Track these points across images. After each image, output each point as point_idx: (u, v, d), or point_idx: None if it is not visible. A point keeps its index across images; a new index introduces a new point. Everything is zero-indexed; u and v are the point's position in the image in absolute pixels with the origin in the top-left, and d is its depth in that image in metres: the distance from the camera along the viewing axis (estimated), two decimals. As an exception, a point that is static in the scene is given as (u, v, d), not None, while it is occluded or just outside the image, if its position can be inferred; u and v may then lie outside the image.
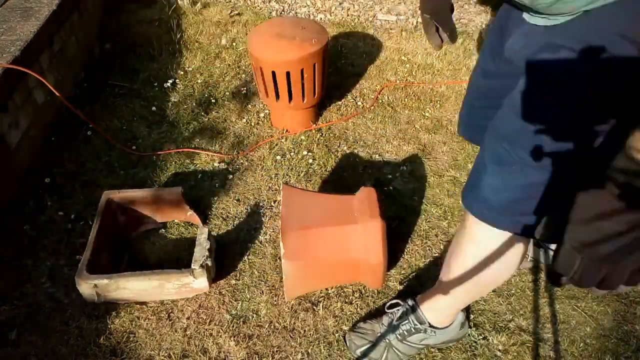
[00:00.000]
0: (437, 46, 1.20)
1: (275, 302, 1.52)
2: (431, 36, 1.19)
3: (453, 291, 1.22)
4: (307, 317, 1.48)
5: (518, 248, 1.07)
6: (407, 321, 1.35)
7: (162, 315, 1.50)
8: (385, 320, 1.40)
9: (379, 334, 1.38)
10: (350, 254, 1.39)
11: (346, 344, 1.41)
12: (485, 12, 2.98)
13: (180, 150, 2.05)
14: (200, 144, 2.09)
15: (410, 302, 1.38)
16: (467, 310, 1.47)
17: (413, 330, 1.35)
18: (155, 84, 2.41)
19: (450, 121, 2.20)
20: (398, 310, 1.39)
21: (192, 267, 1.43)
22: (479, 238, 1.09)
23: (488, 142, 1.00)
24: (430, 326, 1.34)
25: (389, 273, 1.60)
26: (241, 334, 1.45)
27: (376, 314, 1.48)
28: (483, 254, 1.10)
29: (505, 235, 1.03)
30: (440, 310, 1.33)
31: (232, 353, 1.41)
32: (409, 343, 1.36)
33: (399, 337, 1.36)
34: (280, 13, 3.04)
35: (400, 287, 1.56)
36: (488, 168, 0.99)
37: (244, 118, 2.22)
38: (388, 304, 1.43)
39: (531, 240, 1.62)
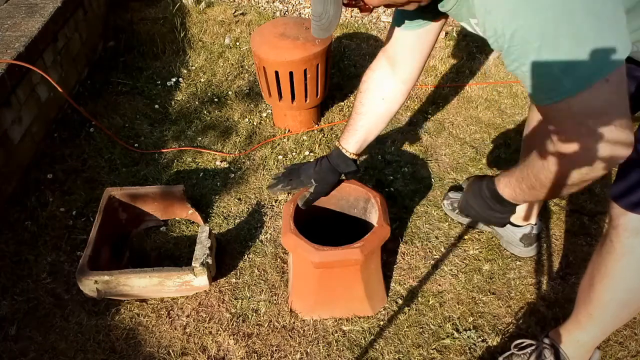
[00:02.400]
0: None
1: (275, 301, 1.52)
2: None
3: (600, 318, 1.14)
4: (306, 317, 1.48)
5: None
6: None
7: (162, 312, 1.50)
8: None
9: None
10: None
11: None
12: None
13: (183, 148, 2.05)
14: (202, 143, 2.09)
15: (546, 341, 1.27)
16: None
17: None
18: (159, 82, 2.42)
19: (452, 123, 2.20)
20: (531, 350, 1.29)
21: (193, 265, 1.43)
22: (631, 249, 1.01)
23: None
24: None
25: (389, 274, 1.60)
26: (240, 333, 1.45)
27: (493, 349, 1.40)
28: (633, 266, 1.02)
29: None
30: (582, 345, 1.22)
31: (231, 351, 1.41)
32: None
33: None
34: (284, 13, 3.05)
35: (400, 289, 1.56)
36: None
37: (246, 117, 2.23)
38: (516, 342, 1.32)
39: None
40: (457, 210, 1.74)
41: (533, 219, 1.61)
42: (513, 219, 1.56)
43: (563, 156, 0.87)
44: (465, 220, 1.74)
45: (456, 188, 1.86)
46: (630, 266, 1.03)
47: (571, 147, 0.85)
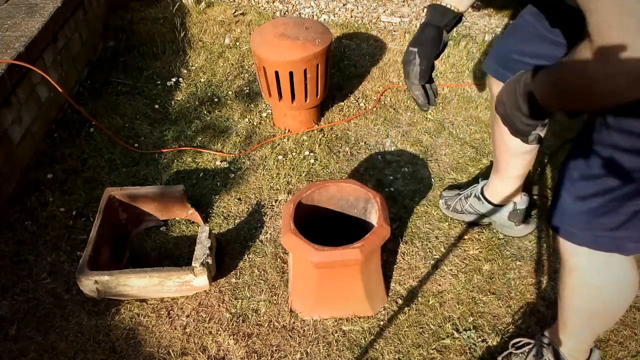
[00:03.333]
0: (424, 106, 1.19)
1: (275, 301, 1.52)
2: (419, 95, 1.19)
3: (572, 328, 1.18)
4: (306, 317, 1.48)
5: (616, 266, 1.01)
6: None
7: (162, 312, 1.50)
8: None
9: None
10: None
11: None
12: (489, 15, 2.99)
13: (183, 148, 2.05)
14: (202, 143, 2.09)
15: (544, 340, 1.28)
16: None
17: None
18: (159, 82, 2.42)
19: (452, 123, 2.20)
20: (529, 349, 1.30)
21: (193, 265, 1.43)
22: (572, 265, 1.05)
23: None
24: None
25: (389, 274, 1.60)
26: (240, 333, 1.45)
27: (492, 349, 1.41)
28: (580, 280, 1.06)
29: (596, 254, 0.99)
30: (577, 347, 1.24)
31: (231, 351, 1.41)
32: None
33: None
34: (284, 13, 3.05)
35: (400, 289, 1.56)
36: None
37: (246, 117, 2.23)
38: (513, 342, 1.33)
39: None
40: (451, 209, 1.76)
41: (516, 198, 1.63)
42: (493, 199, 1.64)
43: (603, 59, 0.71)
44: (465, 218, 1.75)
45: (451, 187, 1.87)
46: (580, 280, 1.07)
47: (614, 47, 0.69)
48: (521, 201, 1.63)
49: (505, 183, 1.60)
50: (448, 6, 1.16)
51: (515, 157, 1.50)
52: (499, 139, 1.51)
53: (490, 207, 1.66)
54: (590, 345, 1.25)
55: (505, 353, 1.35)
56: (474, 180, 1.89)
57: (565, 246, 1.04)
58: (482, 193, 1.68)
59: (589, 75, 0.74)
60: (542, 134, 1.01)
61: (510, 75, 0.98)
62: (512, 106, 0.95)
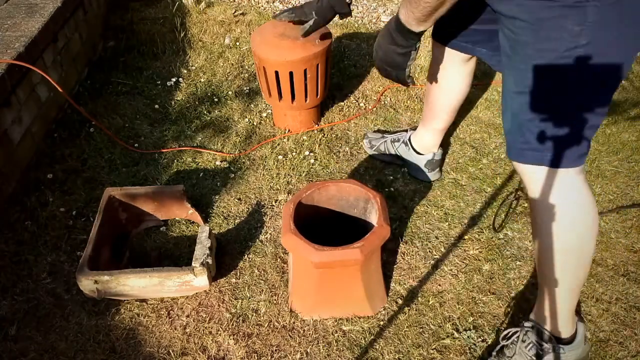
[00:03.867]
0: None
1: (275, 301, 1.53)
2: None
3: (553, 278, 1.21)
4: (306, 317, 1.48)
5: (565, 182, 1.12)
6: (531, 344, 1.29)
7: (162, 312, 1.50)
8: (508, 352, 1.33)
9: None
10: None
11: None
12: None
13: (182, 148, 2.05)
14: (202, 143, 2.09)
15: (527, 324, 1.32)
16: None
17: (541, 353, 1.27)
18: (159, 82, 2.42)
19: (452, 123, 2.19)
20: (517, 337, 1.32)
21: (193, 265, 1.43)
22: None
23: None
24: (558, 341, 1.27)
25: (389, 274, 1.60)
26: (240, 333, 1.45)
27: (492, 349, 1.40)
28: (542, 205, 1.16)
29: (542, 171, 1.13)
30: (557, 316, 1.27)
31: (231, 351, 1.41)
32: None
33: None
34: (284, 13, 3.05)
35: (400, 289, 1.57)
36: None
37: (246, 117, 2.23)
38: (502, 334, 1.35)
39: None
40: (374, 149, 2.01)
41: (434, 149, 1.89)
42: (418, 148, 1.90)
43: None
44: (385, 158, 2.00)
45: (376, 131, 2.14)
46: (542, 205, 1.16)
47: None
48: (438, 152, 1.90)
49: (431, 134, 1.87)
50: None
51: (441, 112, 1.80)
52: (431, 97, 1.79)
53: (414, 153, 1.91)
54: (572, 314, 1.28)
55: (497, 348, 1.36)
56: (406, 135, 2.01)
57: (523, 171, 1.18)
58: (409, 140, 1.93)
59: None
60: (411, 71, 1.33)
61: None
62: (388, 42, 1.28)
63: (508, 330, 1.35)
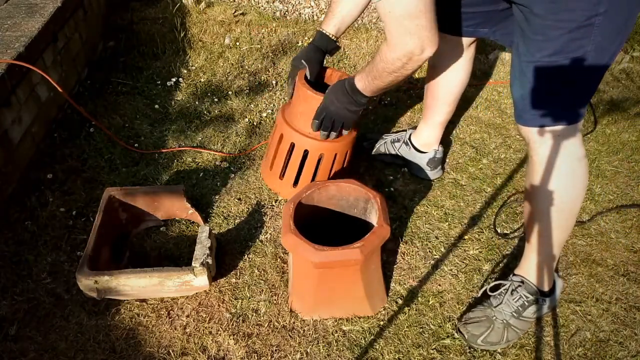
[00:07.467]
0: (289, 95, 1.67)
1: (275, 301, 1.53)
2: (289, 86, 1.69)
3: (546, 235, 1.32)
4: (306, 317, 1.48)
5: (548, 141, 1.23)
6: (518, 296, 1.40)
7: (162, 312, 1.50)
8: (495, 302, 1.44)
9: (494, 318, 1.41)
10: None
11: (463, 337, 1.41)
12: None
13: (183, 148, 2.05)
14: (202, 143, 2.09)
15: (515, 278, 1.43)
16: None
17: (526, 304, 1.39)
18: (159, 82, 2.42)
19: (452, 123, 2.20)
20: (505, 289, 1.43)
21: (193, 265, 1.43)
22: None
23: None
24: (541, 294, 1.41)
25: (389, 274, 1.60)
26: (240, 333, 1.45)
27: (479, 300, 1.51)
28: (538, 159, 1.27)
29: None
30: (542, 270, 1.38)
31: (231, 351, 1.41)
32: (524, 318, 1.40)
33: (514, 314, 1.40)
34: (284, 13, 3.05)
35: (400, 289, 1.57)
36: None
37: (246, 117, 2.23)
38: (490, 286, 1.45)
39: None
40: (374, 149, 2.02)
41: (435, 146, 1.91)
42: (419, 146, 1.92)
43: (390, 49, 1.25)
44: (385, 159, 2.01)
45: (375, 132, 2.16)
46: (538, 158, 1.27)
47: (393, 42, 1.23)
48: (439, 150, 1.92)
49: (431, 128, 1.89)
50: (330, 37, 1.65)
51: (443, 104, 1.82)
52: (432, 88, 1.81)
53: (415, 152, 1.93)
54: (553, 269, 1.42)
55: (485, 300, 1.47)
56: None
57: (526, 134, 1.28)
58: (409, 139, 1.94)
59: (386, 60, 1.28)
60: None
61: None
62: (344, 99, 1.50)
63: (496, 283, 1.46)
